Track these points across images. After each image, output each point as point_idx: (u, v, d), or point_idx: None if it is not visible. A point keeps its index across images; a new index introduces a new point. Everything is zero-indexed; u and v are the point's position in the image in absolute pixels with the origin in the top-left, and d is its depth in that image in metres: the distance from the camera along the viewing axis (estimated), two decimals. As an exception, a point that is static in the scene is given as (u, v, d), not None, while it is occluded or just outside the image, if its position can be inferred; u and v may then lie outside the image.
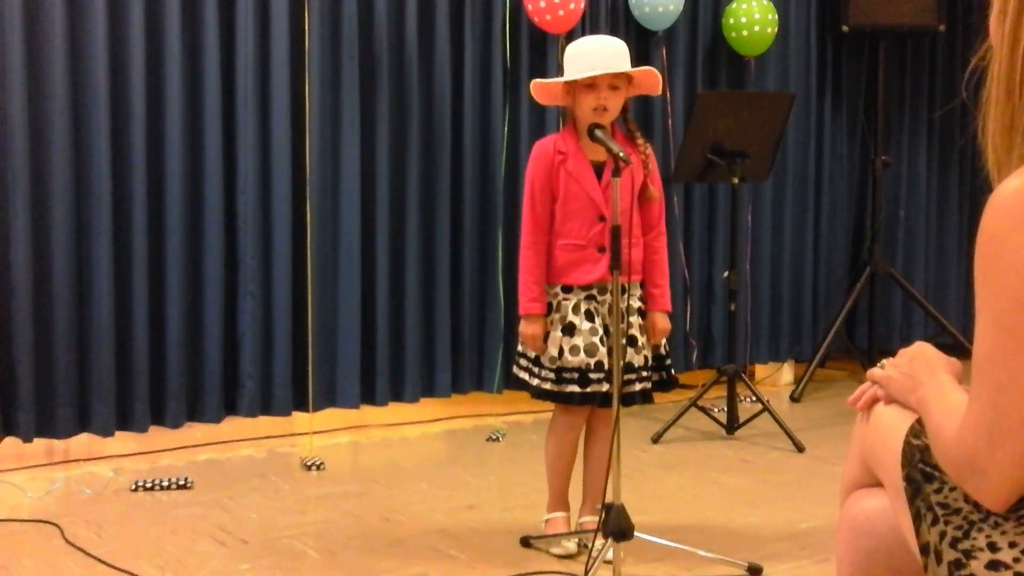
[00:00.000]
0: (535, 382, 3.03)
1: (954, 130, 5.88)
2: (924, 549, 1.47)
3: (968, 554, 1.40)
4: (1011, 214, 1.33)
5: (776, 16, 5.08)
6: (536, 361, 3.03)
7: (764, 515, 3.44)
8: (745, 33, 5.05)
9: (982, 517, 1.41)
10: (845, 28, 5.29)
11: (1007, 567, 1.37)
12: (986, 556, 1.39)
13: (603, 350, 2.97)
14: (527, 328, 3.02)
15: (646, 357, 3.04)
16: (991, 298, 1.34)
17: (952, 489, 1.45)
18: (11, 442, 3.85)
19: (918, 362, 1.60)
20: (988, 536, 1.39)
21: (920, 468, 1.50)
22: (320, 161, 4.25)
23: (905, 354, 1.64)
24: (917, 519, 1.49)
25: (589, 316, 3.00)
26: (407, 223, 4.46)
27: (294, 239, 4.22)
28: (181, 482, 3.66)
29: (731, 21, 5.06)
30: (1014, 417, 1.33)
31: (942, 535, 1.44)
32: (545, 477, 3.18)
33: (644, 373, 3.03)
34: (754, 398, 4.50)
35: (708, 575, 2.89)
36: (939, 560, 1.43)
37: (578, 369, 2.96)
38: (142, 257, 3.97)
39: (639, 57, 4.83)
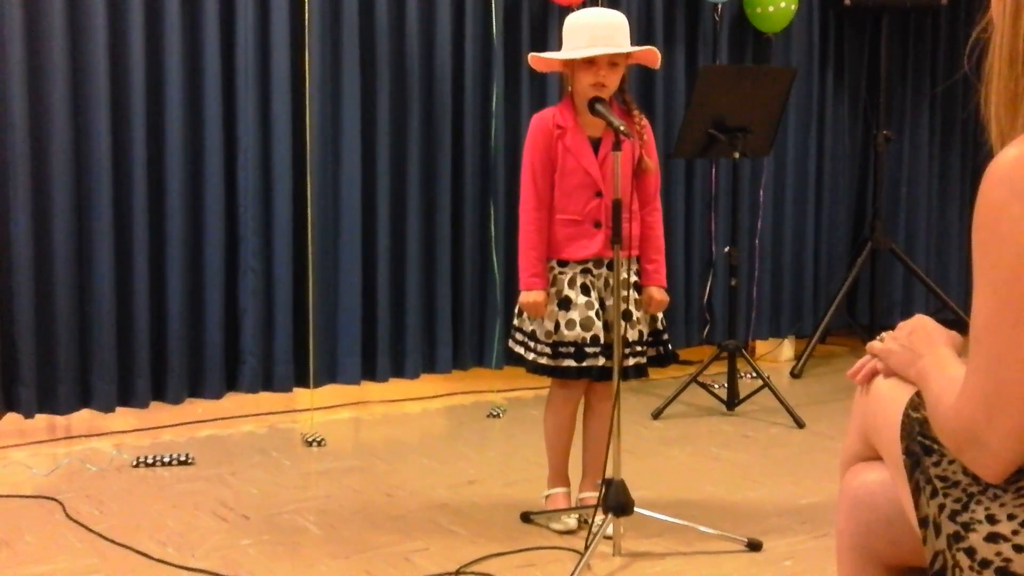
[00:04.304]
0: (531, 356, 3.03)
1: (956, 105, 5.86)
2: (923, 522, 1.47)
3: (967, 526, 1.40)
4: (1010, 183, 1.32)
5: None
6: (532, 335, 3.03)
7: (764, 490, 3.44)
8: (759, 10, 5.05)
9: (981, 489, 1.41)
10: (847, 2, 5.26)
11: (1005, 539, 1.37)
12: (985, 528, 1.39)
13: (599, 324, 2.97)
14: (529, 296, 3.00)
15: (641, 332, 3.04)
16: (989, 269, 1.34)
17: (951, 462, 1.45)
18: (13, 418, 3.86)
19: (918, 335, 1.59)
20: (987, 508, 1.39)
21: (919, 441, 1.50)
22: (320, 137, 4.24)
23: (905, 327, 1.64)
24: (916, 492, 1.49)
25: (585, 290, 2.99)
26: (408, 198, 4.45)
27: (295, 215, 4.22)
28: (182, 458, 3.67)
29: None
30: (1012, 388, 1.33)
31: (941, 508, 1.44)
32: (545, 452, 3.19)
33: (639, 348, 3.02)
34: (754, 374, 4.50)
35: (708, 550, 2.90)
36: (938, 532, 1.44)
37: (574, 343, 2.96)
38: (143, 233, 3.96)
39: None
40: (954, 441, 1.40)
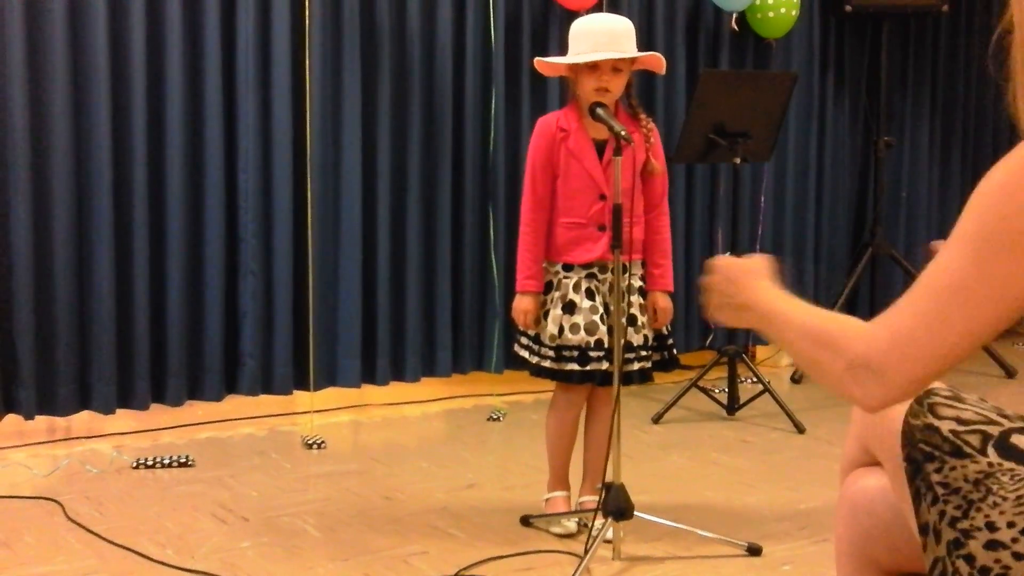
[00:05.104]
0: (535, 360, 3.03)
1: (957, 111, 5.86)
2: (923, 528, 1.47)
3: (967, 533, 1.40)
4: None
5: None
6: (536, 339, 3.03)
7: (764, 495, 3.45)
8: (760, 16, 5.06)
9: (981, 496, 1.41)
10: (848, 8, 5.27)
11: (1005, 546, 1.37)
12: (985, 535, 1.39)
13: (603, 328, 2.97)
14: (520, 303, 3.01)
15: (645, 336, 3.04)
16: (980, 241, 1.30)
17: (952, 469, 1.45)
18: (12, 419, 3.86)
19: (738, 283, 1.57)
20: (987, 516, 1.39)
21: (920, 448, 1.50)
22: (321, 140, 4.24)
23: (719, 275, 1.61)
24: (916, 498, 1.49)
25: (589, 294, 2.99)
26: (408, 202, 4.45)
27: (295, 218, 4.22)
28: (182, 460, 3.67)
29: (755, 3, 5.07)
30: (940, 350, 1.31)
31: (941, 514, 1.44)
32: (545, 456, 3.18)
33: (643, 352, 3.03)
34: (755, 379, 4.50)
35: (708, 554, 2.90)
36: (938, 539, 1.44)
37: (578, 347, 2.96)
38: (143, 235, 3.96)
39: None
40: (846, 359, 1.37)
